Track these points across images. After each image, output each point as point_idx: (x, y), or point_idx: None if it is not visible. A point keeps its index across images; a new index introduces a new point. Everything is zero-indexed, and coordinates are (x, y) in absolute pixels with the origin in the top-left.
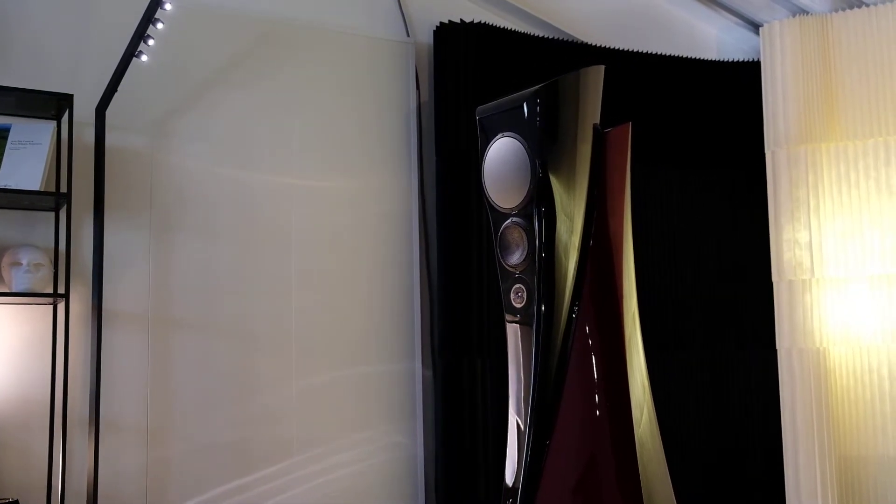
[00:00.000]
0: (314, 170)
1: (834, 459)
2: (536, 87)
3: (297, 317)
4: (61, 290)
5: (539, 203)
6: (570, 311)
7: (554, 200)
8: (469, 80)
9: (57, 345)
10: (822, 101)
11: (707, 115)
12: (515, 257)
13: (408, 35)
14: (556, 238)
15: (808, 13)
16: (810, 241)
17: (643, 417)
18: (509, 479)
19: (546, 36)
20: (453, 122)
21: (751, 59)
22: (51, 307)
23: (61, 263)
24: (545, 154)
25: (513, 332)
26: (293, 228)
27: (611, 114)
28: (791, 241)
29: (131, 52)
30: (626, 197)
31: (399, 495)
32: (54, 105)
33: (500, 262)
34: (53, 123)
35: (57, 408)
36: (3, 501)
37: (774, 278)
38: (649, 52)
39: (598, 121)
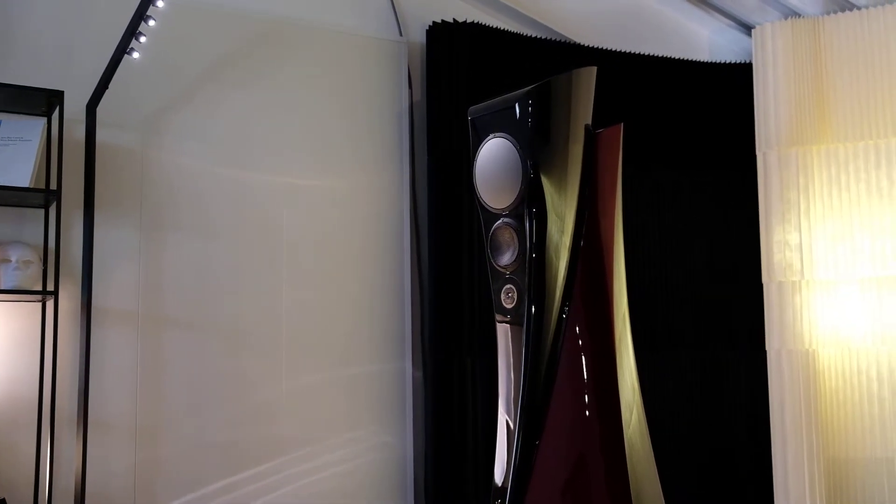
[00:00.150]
0: (306, 168)
1: (822, 461)
2: (528, 87)
3: (288, 316)
4: (50, 288)
5: (530, 203)
6: (561, 311)
7: (545, 201)
8: (461, 80)
9: (46, 342)
10: (813, 103)
11: (699, 117)
12: (506, 258)
13: (400, 34)
14: (547, 238)
15: (799, 16)
16: (801, 242)
17: (633, 418)
18: (498, 478)
19: (539, 36)
20: (445, 122)
21: (742, 61)
22: (39, 304)
23: (51, 261)
24: (537, 154)
25: (503, 332)
26: (285, 227)
27: (603, 114)
28: (781, 242)
29: (123, 50)
30: (617, 198)
31: (388, 495)
32: (45, 101)
33: (490, 262)
34: (44, 120)
35: (45, 406)
36: None
37: (765, 280)
38: (642, 53)
39: (589, 121)
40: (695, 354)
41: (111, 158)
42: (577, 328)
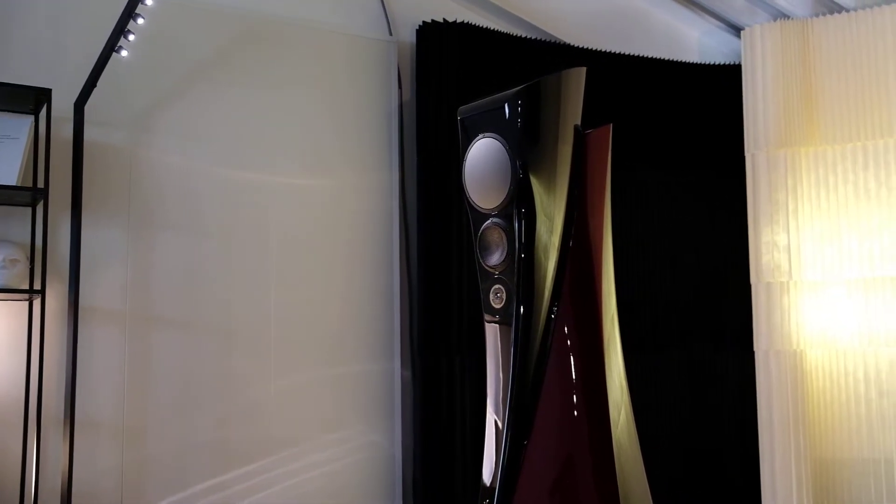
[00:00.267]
0: (295, 168)
1: (809, 461)
2: (518, 87)
3: (277, 315)
4: (37, 287)
5: (519, 204)
6: (550, 311)
7: (534, 201)
8: (451, 80)
9: (32, 341)
10: (801, 105)
11: (688, 118)
12: (495, 258)
13: (390, 34)
14: (535, 239)
15: (788, 17)
16: (789, 243)
17: (621, 418)
18: (487, 478)
19: (529, 36)
20: (435, 122)
21: (732, 63)
22: (26, 303)
23: (37, 259)
24: (526, 155)
25: (492, 332)
26: (274, 227)
27: (592, 115)
28: (770, 243)
29: (111, 48)
30: (606, 198)
31: (377, 494)
32: (32, 99)
33: (479, 262)
34: (31, 118)
35: (31, 405)
36: None
37: (753, 280)
38: (631, 53)
39: (579, 122)
40: (683, 355)
41: (99, 157)
42: (566, 328)
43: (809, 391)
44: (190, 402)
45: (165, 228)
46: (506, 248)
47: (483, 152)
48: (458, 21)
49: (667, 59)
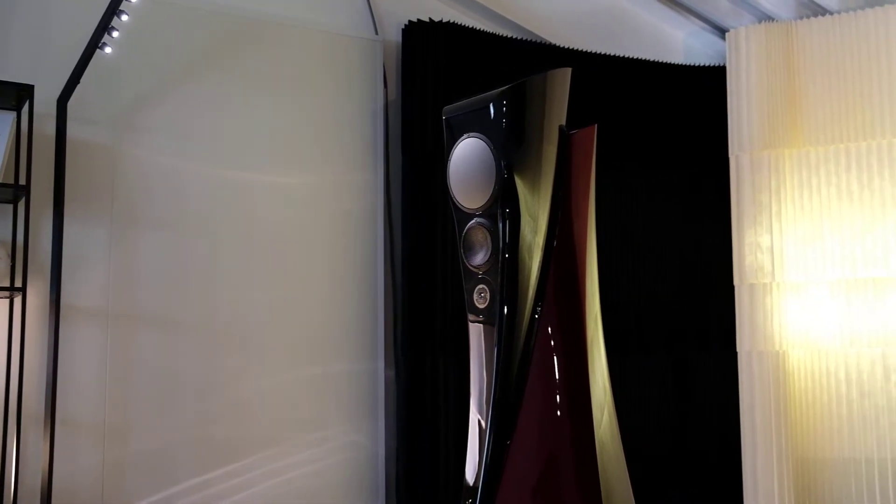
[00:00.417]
0: (280, 166)
1: (791, 461)
2: (503, 88)
3: (261, 314)
4: (18, 284)
5: (504, 204)
6: (533, 311)
7: (518, 201)
8: (437, 80)
9: (13, 339)
10: (785, 107)
11: (672, 119)
12: (479, 258)
13: (376, 33)
14: (520, 239)
15: (773, 20)
16: (772, 245)
17: (604, 418)
18: (469, 477)
19: (514, 37)
20: (420, 121)
21: (716, 64)
22: (7, 301)
23: (19, 256)
24: (510, 155)
25: (476, 332)
26: (258, 225)
27: (577, 115)
28: (753, 244)
29: (95, 44)
30: (590, 198)
31: (360, 494)
32: (14, 95)
33: (463, 262)
34: (13, 114)
35: (11, 404)
36: None
37: (736, 281)
38: (617, 54)
39: (564, 122)
40: (665, 355)
41: (82, 154)
42: (550, 328)
43: (792, 392)
44: (172, 400)
45: (148, 226)
46: (490, 249)
47: (468, 152)
48: (444, 21)
49: (652, 60)
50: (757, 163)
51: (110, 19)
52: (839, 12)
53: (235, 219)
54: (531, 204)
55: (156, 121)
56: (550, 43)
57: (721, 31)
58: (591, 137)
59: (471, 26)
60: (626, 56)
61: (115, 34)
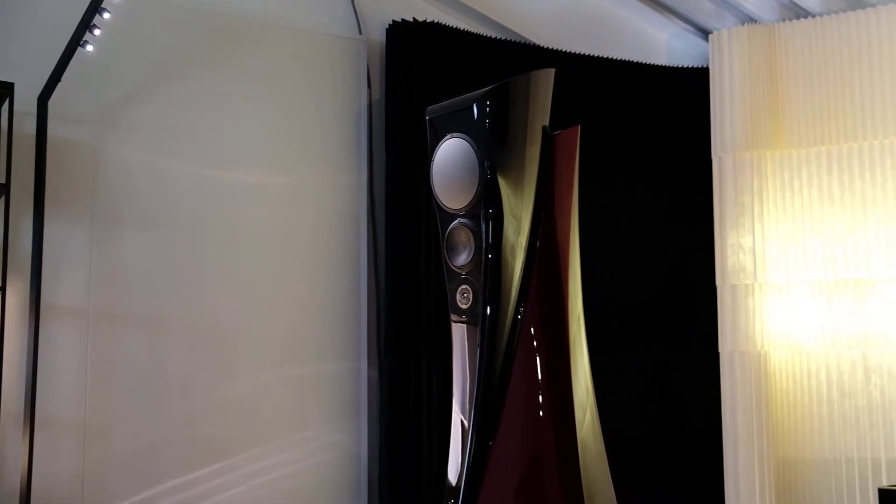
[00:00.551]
0: (263, 165)
1: (772, 461)
2: (487, 88)
3: (244, 315)
4: None
5: (487, 204)
6: (516, 311)
7: (501, 202)
8: (421, 80)
9: None
10: (768, 108)
11: (656, 120)
12: (462, 258)
13: (360, 32)
14: (502, 239)
15: (756, 22)
16: (754, 246)
17: (586, 418)
18: (452, 477)
19: (498, 37)
20: (404, 121)
21: (700, 66)
22: None
23: None
24: (494, 155)
25: (458, 332)
26: (242, 225)
27: (561, 116)
28: (735, 245)
29: (76, 42)
30: (573, 199)
31: (343, 493)
32: None
33: (446, 262)
34: None
35: None
36: None
37: (718, 282)
38: (600, 55)
39: (547, 123)
40: (648, 356)
41: (64, 152)
42: (532, 329)
43: (773, 392)
44: (154, 401)
45: (131, 225)
46: (473, 249)
47: (451, 152)
48: (428, 21)
49: (635, 61)
50: (739, 164)
51: (92, 17)
52: (821, 15)
53: (218, 218)
54: (514, 204)
55: (139, 119)
56: (534, 43)
57: (704, 33)
58: (574, 138)
59: (455, 26)
60: (610, 57)
61: (97, 32)
